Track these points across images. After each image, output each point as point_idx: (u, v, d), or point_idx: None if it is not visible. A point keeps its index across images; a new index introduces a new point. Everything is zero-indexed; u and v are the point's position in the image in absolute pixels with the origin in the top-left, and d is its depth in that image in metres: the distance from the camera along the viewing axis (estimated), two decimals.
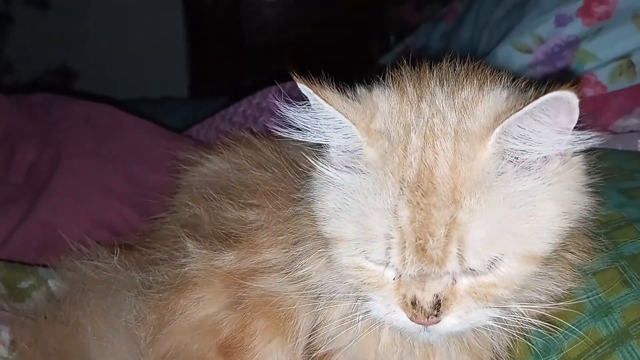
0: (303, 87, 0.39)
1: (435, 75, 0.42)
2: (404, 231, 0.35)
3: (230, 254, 0.51)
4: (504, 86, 0.40)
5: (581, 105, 0.75)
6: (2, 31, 2.44)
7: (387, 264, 0.37)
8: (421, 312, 0.36)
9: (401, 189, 0.35)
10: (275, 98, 0.89)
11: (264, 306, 0.49)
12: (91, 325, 0.51)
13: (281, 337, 0.49)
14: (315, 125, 0.40)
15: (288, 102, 0.89)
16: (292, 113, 0.40)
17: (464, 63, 0.44)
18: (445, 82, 0.40)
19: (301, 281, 0.48)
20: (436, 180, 0.35)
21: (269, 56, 2.64)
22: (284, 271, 0.50)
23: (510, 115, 0.34)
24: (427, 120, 0.37)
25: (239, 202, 0.54)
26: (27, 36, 2.45)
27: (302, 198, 0.48)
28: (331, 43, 2.56)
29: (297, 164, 0.57)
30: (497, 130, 0.34)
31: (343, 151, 0.40)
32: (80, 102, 0.88)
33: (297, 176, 0.55)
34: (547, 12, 0.86)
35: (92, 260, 0.57)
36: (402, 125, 0.38)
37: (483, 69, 0.42)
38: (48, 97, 0.90)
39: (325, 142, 0.41)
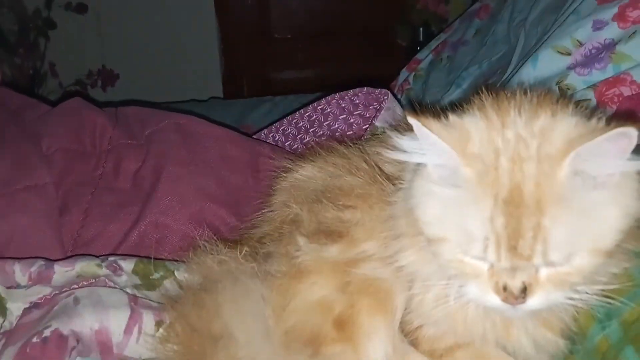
0: (412, 120, 0.49)
1: (512, 105, 0.52)
2: (499, 234, 0.46)
3: (334, 247, 0.63)
4: (571, 113, 0.50)
5: (621, 104, 0.85)
6: (45, 36, 2.54)
7: (484, 259, 0.48)
8: (511, 295, 0.48)
9: (495, 202, 0.46)
10: (338, 104, 0.99)
11: (367, 288, 0.61)
12: (228, 306, 0.62)
13: (383, 313, 0.61)
14: (420, 150, 0.51)
15: (355, 106, 0.99)
16: (402, 140, 0.51)
17: (533, 92, 0.54)
18: (522, 111, 0.51)
19: (398, 269, 0.59)
20: (524, 195, 0.46)
21: (297, 48, 2.72)
22: (381, 260, 0.61)
23: (583, 143, 0.44)
24: (513, 146, 0.48)
25: (337, 203, 0.65)
26: (68, 39, 2.54)
27: (396, 202, 0.60)
28: (358, 33, 2.62)
29: (380, 169, 0.69)
30: (572, 154, 0.45)
31: (442, 170, 0.51)
32: (168, 114, 1.00)
33: (384, 180, 0.66)
34: (585, 17, 0.94)
35: (218, 254, 0.68)
36: (492, 150, 0.48)
37: (550, 97, 0.53)
38: (140, 110, 1.01)
39: (427, 162, 0.52)
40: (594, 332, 0.55)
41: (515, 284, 0.47)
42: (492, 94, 0.55)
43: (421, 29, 2.19)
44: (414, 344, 0.62)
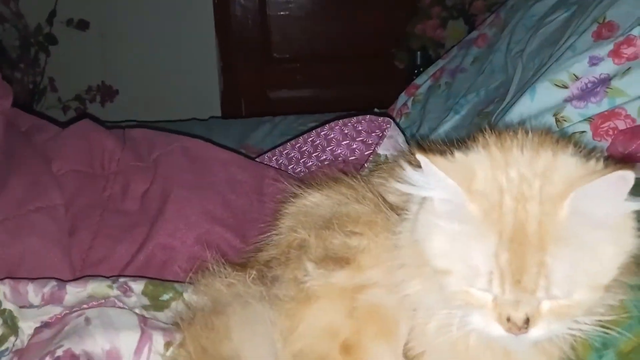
0: (421, 157, 0.52)
1: (514, 144, 0.55)
2: (503, 269, 0.49)
3: (341, 272, 0.65)
4: (571, 154, 0.53)
5: (616, 137, 0.88)
6: (46, 51, 2.56)
7: (489, 291, 0.51)
8: (515, 326, 0.50)
9: (500, 239, 0.49)
10: (341, 130, 1.02)
11: (372, 315, 0.63)
12: (238, 329, 0.64)
13: (387, 340, 0.63)
14: (427, 184, 0.53)
15: (357, 133, 1.02)
16: (411, 174, 0.54)
17: (534, 131, 0.57)
18: (524, 150, 0.54)
19: (402, 297, 0.62)
20: (528, 233, 0.48)
21: (296, 69, 2.76)
22: (386, 288, 0.64)
23: (583, 184, 0.47)
24: (517, 186, 0.50)
25: (344, 230, 0.68)
26: (69, 55, 2.57)
27: (401, 232, 0.62)
28: (357, 55, 2.66)
29: (384, 199, 0.72)
30: (572, 195, 0.48)
31: (448, 205, 0.53)
32: (175, 137, 1.02)
33: (388, 210, 0.69)
34: (581, 52, 0.98)
35: (226, 277, 0.70)
36: (496, 188, 0.51)
37: (551, 137, 0.56)
38: (146, 133, 1.03)
39: (433, 197, 0.54)
40: None
41: (518, 316, 0.50)
42: (495, 132, 0.58)
43: (419, 53, 2.24)
44: None
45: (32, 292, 0.71)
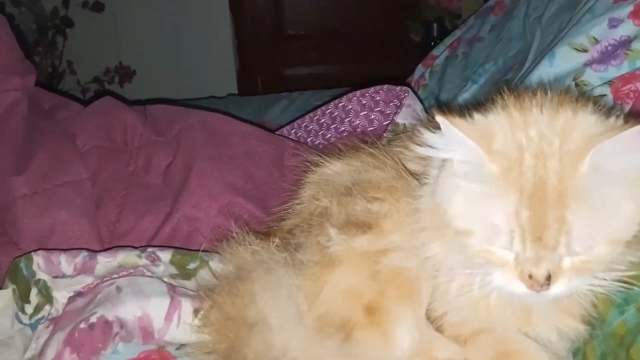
0: (440, 119, 0.52)
1: (534, 104, 0.55)
2: (524, 227, 0.49)
3: (364, 237, 0.66)
4: (591, 112, 0.53)
5: (637, 100, 0.87)
6: (63, 34, 2.58)
7: (510, 249, 0.51)
8: (536, 283, 0.51)
9: (520, 196, 0.50)
10: (359, 101, 1.02)
11: (395, 277, 0.64)
12: (262, 293, 0.66)
13: (410, 301, 0.64)
14: (447, 146, 0.54)
15: (375, 103, 1.02)
16: (430, 137, 0.54)
17: (553, 91, 0.57)
18: (543, 109, 0.54)
19: (424, 259, 0.63)
20: (548, 190, 0.49)
21: (310, 45, 2.74)
22: (408, 251, 0.65)
23: (602, 140, 0.47)
24: (537, 144, 0.51)
25: (365, 196, 0.69)
26: (86, 37, 2.58)
27: (422, 196, 0.63)
28: (371, 29, 2.63)
29: (404, 166, 0.72)
30: (592, 151, 0.48)
31: (468, 165, 0.54)
32: (194, 111, 1.04)
33: (409, 175, 0.70)
34: (600, 15, 0.97)
35: (250, 245, 0.72)
36: (516, 147, 0.52)
37: (570, 96, 0.56)
38: (166, 108, 1.05)
39: (453, 158, 0.55)
40: (612, 317, 0.58)
41: (540, 272, 0.51)
42: (514, 93, 0.58)
43: (435, 24, 2.21)
44: (439, 330, 0.65)
45: (65, 262, 0.74)
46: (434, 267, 0.63)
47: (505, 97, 0.58)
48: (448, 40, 1.57)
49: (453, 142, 0.53)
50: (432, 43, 2.11)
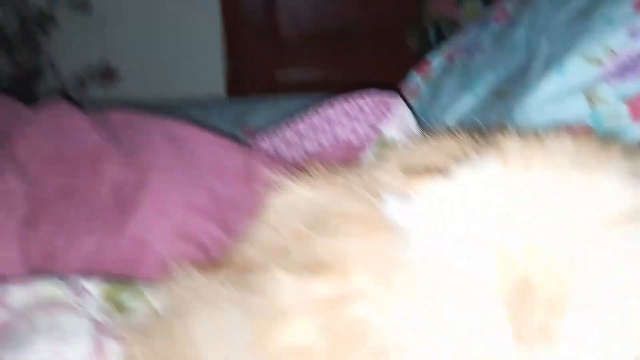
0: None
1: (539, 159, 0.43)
2: None
3: (320, 282, 0.54)
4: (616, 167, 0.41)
5: None
6: (46, 32, 2.50)
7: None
8: None
9: None
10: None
11: (353, 333, 0.52)
12: (201, 333, 0.55)
13: None
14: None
15: (360, 110, 0.90)
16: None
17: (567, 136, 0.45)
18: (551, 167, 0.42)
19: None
20: None
21: (304, 47, 2.65)
22: (374, 299, 0.52)
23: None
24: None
25: (331, 230, 0.57)
26: (69, 36, 2.51)
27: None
28: (367, 34, 2.56)
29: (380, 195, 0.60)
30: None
31: None
32: (157, 119, 0.92)
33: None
34: (619, 24, 0.85)
35: (196, 278, 0.60)
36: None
37: (592, 142, 0.44)
38: (126, 117, 0.93)
39: None
40: None
41: None
42: (518, 135, 0.46)
43: (433, 32, 2.11)
44: None
45: None
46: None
47: (507, 140, 0.46)
48: (446, 48, 1.46)
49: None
50: (429, 50, 2.00)
